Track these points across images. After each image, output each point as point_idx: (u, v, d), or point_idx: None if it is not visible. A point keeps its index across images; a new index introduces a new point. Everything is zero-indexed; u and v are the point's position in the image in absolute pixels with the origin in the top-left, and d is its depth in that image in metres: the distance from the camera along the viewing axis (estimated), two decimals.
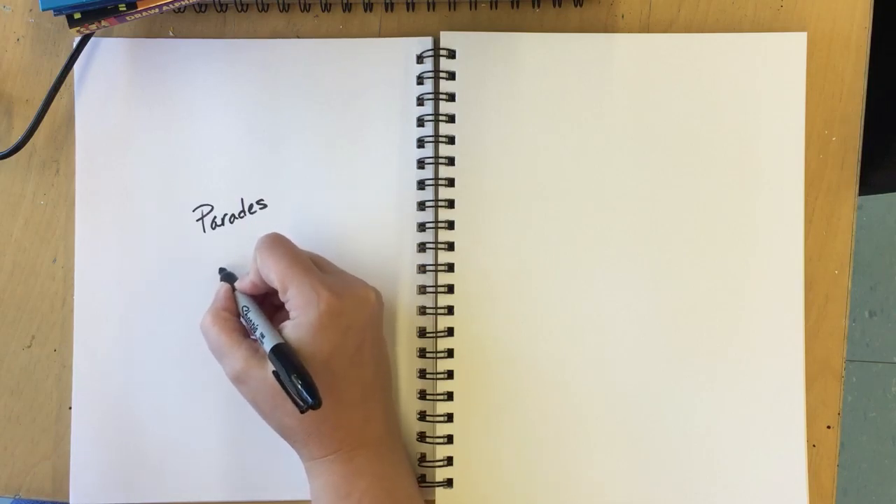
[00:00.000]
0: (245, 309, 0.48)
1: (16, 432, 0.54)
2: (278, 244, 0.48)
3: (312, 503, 0.48)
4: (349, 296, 0.47)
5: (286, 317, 0.47)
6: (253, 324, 0.47)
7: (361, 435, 0.47)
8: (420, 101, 0.53)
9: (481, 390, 0.52)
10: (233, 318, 0.48)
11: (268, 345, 0.45)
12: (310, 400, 0.42)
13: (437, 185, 0.52)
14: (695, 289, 0.52)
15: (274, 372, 0.44)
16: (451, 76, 0.52)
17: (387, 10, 0.54)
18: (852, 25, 0.53)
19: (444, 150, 0.52)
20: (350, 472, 0.46)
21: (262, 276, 0.47)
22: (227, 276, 0.51)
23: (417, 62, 0.53)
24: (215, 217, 0.53)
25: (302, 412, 0.43)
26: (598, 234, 0.52)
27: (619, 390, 0.52)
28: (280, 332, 0.46)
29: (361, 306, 0.47)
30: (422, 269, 0.52)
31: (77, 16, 0.49)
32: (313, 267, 0.47)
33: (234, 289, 0.50)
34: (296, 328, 0.45)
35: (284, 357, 0.44)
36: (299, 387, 0.42)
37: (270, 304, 0.50)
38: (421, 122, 0.53)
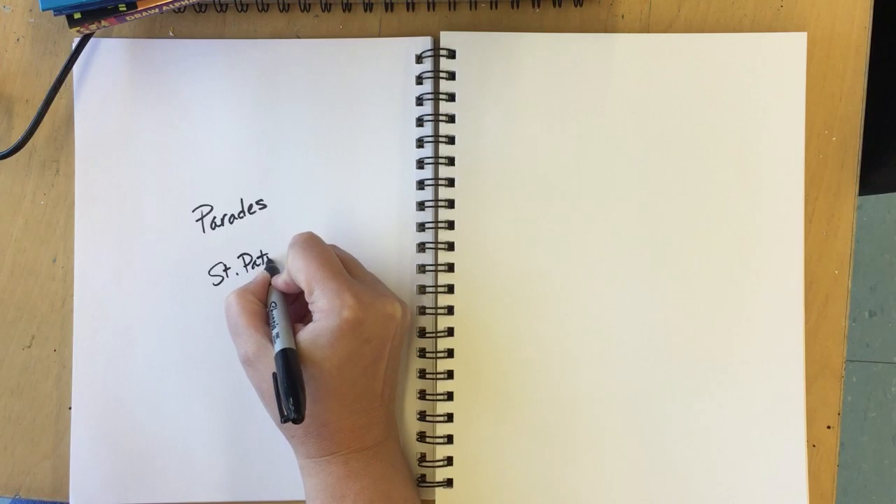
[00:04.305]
0: (273, 304, 0.48)
1: (16, 432, 0.54)
2: (310, 245, 0.47)
3: (307, 503, 0.48)
4: (374, 309, 0.46)
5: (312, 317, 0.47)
6: (274, 321, 0.47)
7: (361, 440, 0.47)
8: (419, 101, 0.53)
9: (481, 390, 0.52)
10: (257, 303, 0.48)
11: (278, 346, 0.45)
12: (293, 415, 0.42)
13: (436, 185, 0.52)
14: (695, 289, 0.52)
15: (274, 373, 0.44)
16: (451, 76, 0.52)
17: (387, 10, 0.54)
18: (852, 25, 0.53)
19: (444, 150, 0.52)
20: (345, 474, 0.46)
21: (291, 275, 0.47)
22: (270, 269, 0.51)
23: (417, 62, 0.53)
24: (215, 217, 0.53)
25: (282, 422, 0.43)
26: (597, 234, 0.52)
27: (618, 389, 0.52)
28: (298, 330, 0.46)
29: (385, 323, 0.47)
30: (422, 269, 0.52)
31: (77, 16, 0.49)
32: (343, 272, 0.47)
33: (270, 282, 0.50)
34: (314, 331, 0.45)
35: (287, 365, 0.44)
36: (289, 398, 0.43)
37: (303, 301, 0.49)
38: (420, 121, 0.53)
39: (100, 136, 0.53)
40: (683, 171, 0.52)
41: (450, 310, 0.52)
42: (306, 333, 0.45)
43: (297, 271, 0.46)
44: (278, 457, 0.52)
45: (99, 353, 0.53)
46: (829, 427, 0.53)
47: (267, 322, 0.47)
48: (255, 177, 0.53)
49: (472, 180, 0.52)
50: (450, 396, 0.52)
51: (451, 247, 0.52)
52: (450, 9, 0.54)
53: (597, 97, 0.53)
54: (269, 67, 0.53)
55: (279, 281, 0.49)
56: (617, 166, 0.52)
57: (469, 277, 0.52)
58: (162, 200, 0.53)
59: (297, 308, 0.50)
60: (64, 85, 0.52)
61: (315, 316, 0.46)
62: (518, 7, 0.54)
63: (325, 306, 0.45)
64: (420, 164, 0.53)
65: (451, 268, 0.52)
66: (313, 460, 0.47)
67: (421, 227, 0.52)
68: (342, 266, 0.47)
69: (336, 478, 0.46)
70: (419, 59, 0.53)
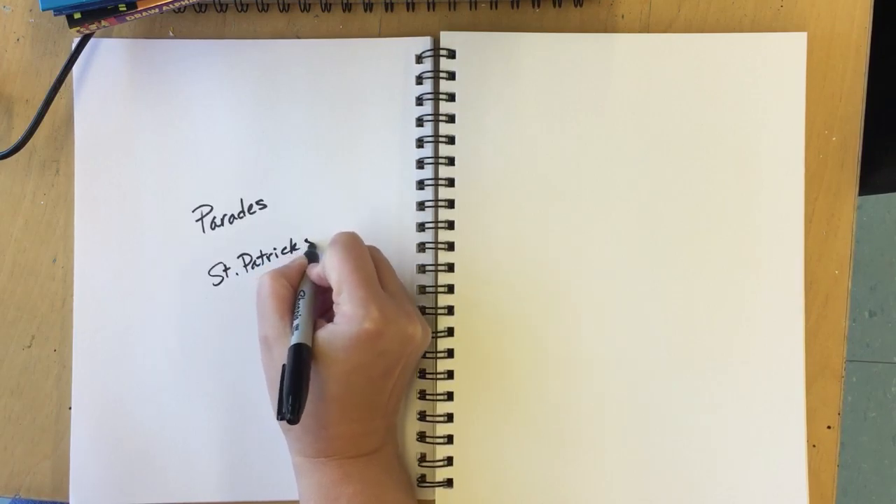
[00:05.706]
0: (301, 293, 0.48)
1: (16, 432, 0.54)
2: (349, 247, 0.47)
3: (301, 502, 0.48)
4: (396, 327, 0.46)
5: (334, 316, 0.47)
6: (298, 311, 0.47)
7: (357, 447, 0.47)
8: (419, 101, 0.53)
9: (481, 390, 0.52)
10: (289, 288, 0.48)
11: (294, 339, 0.45)
12: (288, 415, 0.42)
13: (436, 185, 0.52)
14: (695, 289, 0.52)
15: (283, 365, 0.44)
16: (451, 76, 0.52)
17: (387, 10, 0.54)
18: (852, 25, 0.53)
19: (444, 150, 0.52)
20: (340, 477, 0.46)
21: (325, 272, 0.47)
22: (310, 255, 0.51)
23: (417, 62, 0.53)
24: (214, 217, 0.53)
25: (277, 418, 0.43)
26: (597, 234, 0.52)
27: (618, 389, 0.52)
28: (319, 327, 0.46)
29: (403, 342, 0.46)
30: (422, 269, 0.52)
31: (77, 16, 0.49)
32: (374, 281, 0.47)
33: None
34: (332, 333, 0.45)
35: (298, 360, 0.44)
36: (289, 397, 0.42)
37: (331, 295, 0.49)
38: (420, 121, 0.53)
39: (100, 136, 0.53)
40: (683, 171, 0.52)
41: (450, 310, 0.52)
42: (324, 333, 0.45)
43: (331, 270, 0.47)
44: (278, 457, 0.52)
45: (99, 353, 0.53)
46: (829, 427, 0.53)
47: (293, 310, 0.48)
48: (255, 177, 0.53)
49: (472, 180, 0.52)
50: (450, 396, 0.52)
51: (451, 247, 0.52)
52: (450, 9, 0.54)
53: (597, 97, 0.53)
54: (269, 67, 0.53)
55: (313, 272, 0.49)
56: (617, 166, 0.52)
57: (469, 278, 0.52)
58: (162, 200, 0.53)
59: (326, 300, 0.49)
60: (64, 85, 0.52)
61: (337, 318, 0.46)
62: (518, 7, 0.54)
63: (349, 312, 0.45)
64: (420, 164, 0.53)
65: (451, 268, 0.52)
66: (308, 459, 0.47)
67: (421, 227, 0.52)
68: (375, 274, 0.47)
69: (330, 480, 0.46)
70: (419, 59, 0.53)
